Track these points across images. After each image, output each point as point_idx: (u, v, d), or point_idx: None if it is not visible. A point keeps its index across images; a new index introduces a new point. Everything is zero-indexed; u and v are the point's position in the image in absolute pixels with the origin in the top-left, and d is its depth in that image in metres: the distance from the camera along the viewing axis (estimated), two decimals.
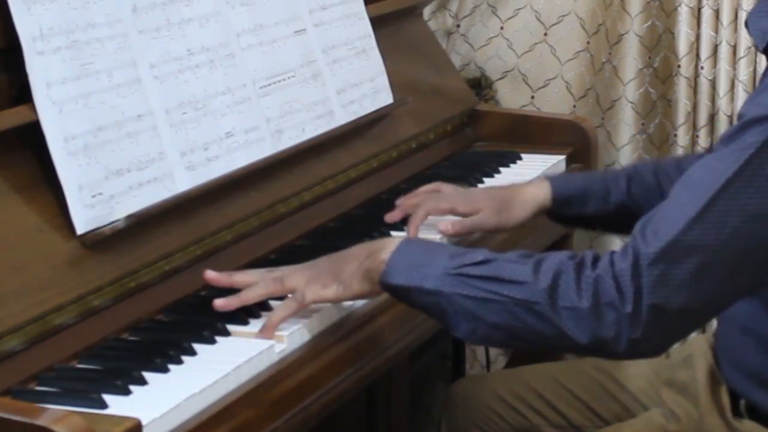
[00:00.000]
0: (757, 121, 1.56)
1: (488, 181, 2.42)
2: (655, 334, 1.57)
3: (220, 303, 1.75)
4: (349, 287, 1.73)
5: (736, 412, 1.87)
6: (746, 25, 1.77)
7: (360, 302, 1.85)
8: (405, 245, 1.70)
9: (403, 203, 2.16)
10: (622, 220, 2.11)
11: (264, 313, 1.78)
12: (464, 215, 2.12)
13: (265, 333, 1.71)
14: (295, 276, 1.76)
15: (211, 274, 1.80)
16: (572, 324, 1.57)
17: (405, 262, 1.68)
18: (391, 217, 2.14)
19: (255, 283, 1.77)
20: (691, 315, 1.59)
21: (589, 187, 2.13)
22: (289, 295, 1.75)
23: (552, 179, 2.16)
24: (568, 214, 2.15)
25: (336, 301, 1.77)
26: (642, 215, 2.08)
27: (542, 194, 2.13)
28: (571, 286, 1.58)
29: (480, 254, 1.66)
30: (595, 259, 1.60)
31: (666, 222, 1.58)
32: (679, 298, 1.55)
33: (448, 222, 2.09)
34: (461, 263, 1.64)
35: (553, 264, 1.60)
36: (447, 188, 2.18)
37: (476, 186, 2.37)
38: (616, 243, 3.14)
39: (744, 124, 1.57)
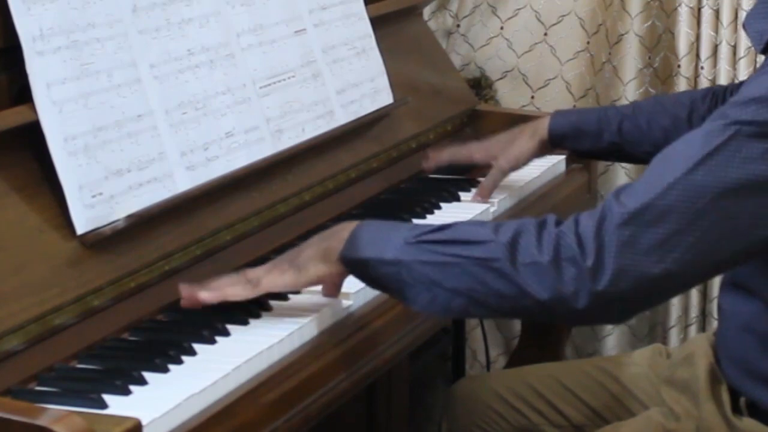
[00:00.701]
0: (742, 102, 1.57)
1: None
2: (617, 297, 1.56)
3: (185, 292, 1.75)
4: (305, 271, 1.72)
5: (736, 410, 1.87)
6: (744, 26, 1.77)
7: (358, 303, 1.85)
8: (365, 224, 1.71)
9: (432, 155, 2.41)
10: (616, 154, 2.34)
11: (264, 313, 1.78)
12: (480, 161, 2.36)
13: (206, 296, 1.73)
14: (257, 269, 1.76)
15: (186, 300, 1.76)
16: (532, 280, 1.57)
17: (365, 238, 1.68)
18: (428, 166, 2.40)
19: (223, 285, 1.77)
20: (658, 283, 1.57)
21: (582, 127, 2.31)
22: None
23: (552, 116, 2.35)
24: (564, 148, 2.36)
25: (293, 287, 1.76)
26: (634, 151, 2.28)
27: (540, 131, 2.33)
28: (532, 242, 1.57)
29: (441, 224, 1.67)
30: (559, 221, 1.60)
31: (643, 187, 1.58)
32: (647, 263, 1.55)
33: (475, 194, 2.31)
34: (421, 231, 1.65)
35: (513, 224, 1.61)
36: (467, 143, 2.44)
37: (476, 188, 2.37)
38: None
39: (728, 105, 1.59)
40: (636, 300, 1.59)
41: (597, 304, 1.56)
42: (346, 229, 1.71)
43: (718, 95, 2.23)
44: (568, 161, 2.58)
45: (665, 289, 1.61)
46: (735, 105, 1.58)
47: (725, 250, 1.59)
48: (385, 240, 1.66)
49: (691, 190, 1.55)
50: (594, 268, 1.54)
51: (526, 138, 2.33)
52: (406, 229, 1.67)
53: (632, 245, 1.54)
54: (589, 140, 2.30)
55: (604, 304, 1.56)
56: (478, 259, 1.59)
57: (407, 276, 1.63)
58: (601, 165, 3.03)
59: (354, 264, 1.69)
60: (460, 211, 2.24)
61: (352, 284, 1.79)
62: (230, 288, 1.75)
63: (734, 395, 1.88)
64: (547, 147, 2.35)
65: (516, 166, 2.34)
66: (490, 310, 1.63)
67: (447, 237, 1.63)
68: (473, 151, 2.38)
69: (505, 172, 2.33)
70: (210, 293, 1.74)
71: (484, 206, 2.26)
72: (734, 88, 2.23)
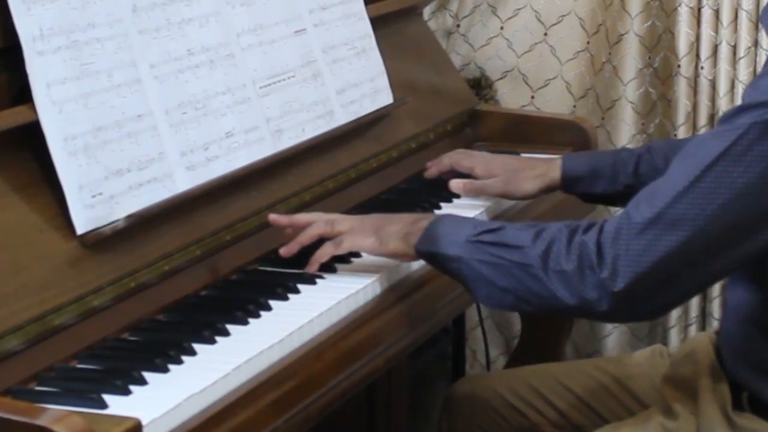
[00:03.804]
0: (754, 105, 1.62)
1: None
2: (634, 302, 1.66)
3: (284, 251, 1.93)
4: (386, 244, 1.87)
5: (738, 406, 1.87)
6: (761, 20, 1.79)
7: (356, 303, 1.86)
8: (443, 217, 1.85)
9: (433, 162, 2.36)
10: (629, 198, 2.17)
11: (264, 313, 1.79)
12: (479, 177, 2.28)
13: (310, 267, 1.91)
14: (344, 222, 1.92)
15: (272, 216, 1.96)
16: (560, 286, 1.68)
17: (437, 232, 1.81)
18: (429, 174, 2.35)
19: (311, 223, 1.93)
20: (673, 287, 1.66)
21: (598, 168, 2.23)
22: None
23: (564, 158, 2.27)
24: (576, 192, 2.27)
25: (371, 253, 1.90)
26: None
27: (552, 173, 2.25)
28: (562, 251, 1.68)
29: (497, 223, 1.78)
30: (589, 227, 1.69)
31: (658, 194, 1.65)
32: (661, 269, 1.63)
33: (460, 181, 2.29)
34: (479, 230, 1.76)
35: (551, 231, 1.71)
36: (475, 152, 2.38)
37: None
38: None
39: (741, 108, 1.64)
40: (653, 305, 1.69)
41: (619, 307, 1.66)
42: (427, 219, 1.85)
43: None
44: None
45: (683, 292, 1.71)
46: (745, 109, 1.62)
47: (741, 250, 1.65)
48: (452, 235, 1.79)
49: (702, 196, 1.62)
50: (610, 276, 1.64)
51: (531, 178, 2.25)
52: (471, 226, 1.79)
53: (648, 252, 1.63)
54: (604, 183, 2.21)
55: (626, 307, 1.67)
56: (518, 264, 1.71)
57: (468, 272, 1.77)
58: None
59: (425, 255, 1.84)
60: (459, 211, 2.23)
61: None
62: (324, 247, 1.90)
63: (736, 392, 1.88)
64: (551, 190, 2.27)
65: (510, 198, 2.28)
66: (534, 308, 1.76)
67: (497, 239, 1.74)
68: (476, 163, 2.31)
69: (496, 195, 2.29)
70: (289, 247, 1.93)
71: (479, 210, 2.26)
72: None
